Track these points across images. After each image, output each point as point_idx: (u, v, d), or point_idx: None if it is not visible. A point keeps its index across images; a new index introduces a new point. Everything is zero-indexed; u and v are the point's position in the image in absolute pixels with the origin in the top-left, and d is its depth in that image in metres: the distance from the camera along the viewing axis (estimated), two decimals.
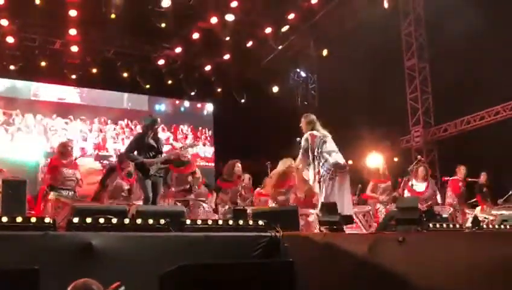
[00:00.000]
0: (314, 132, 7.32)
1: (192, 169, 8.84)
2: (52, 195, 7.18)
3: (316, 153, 7.15)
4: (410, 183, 9.19)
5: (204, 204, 8.45)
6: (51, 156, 8.87)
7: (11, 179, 6.40)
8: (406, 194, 9.09)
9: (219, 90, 15.99)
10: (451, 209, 9.72)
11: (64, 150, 7.88)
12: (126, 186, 8.35)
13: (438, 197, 9.61)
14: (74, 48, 13.79)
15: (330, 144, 7.25)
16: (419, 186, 9.19)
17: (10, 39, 12.97)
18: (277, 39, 14.28)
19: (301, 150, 7.33)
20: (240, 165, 8.99)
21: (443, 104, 13.40)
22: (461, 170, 10.24)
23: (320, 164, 7.10)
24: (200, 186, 9.03)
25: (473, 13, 11.27)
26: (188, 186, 8.61)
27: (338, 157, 7.15)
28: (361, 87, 13.83)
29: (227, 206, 8.55)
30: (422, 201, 8.62)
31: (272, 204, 8.54)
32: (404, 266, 4.50)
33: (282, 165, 8.48)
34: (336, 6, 14.21)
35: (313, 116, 7.61)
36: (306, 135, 7.35)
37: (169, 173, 8.66)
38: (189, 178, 8.73)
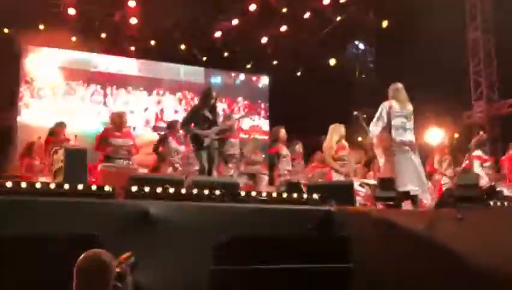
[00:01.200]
0: (393, 102, 7.15)
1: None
2: (99, 167, 7.33)
3: (386, 125, 7.03)
4: (475, 154, 8.98)
5: (266, 177, 8.49)
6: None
7: (72, 148, 6.61)
8: (476, 163, 8.83)
9: (275, 62, 15.88)
10: None
11: (117, 120, 7.96)
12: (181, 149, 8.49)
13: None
14: (133, 20, 13.98)
15: (403, 120, 7.06)
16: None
17: (72, 11, 13.26)
18: (335, 10, 13.99)
19: (376, 116, 7.19)
20: (283, 130, 8.89)
21: (508, 79, 12.84)
22: None
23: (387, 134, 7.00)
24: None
25: None
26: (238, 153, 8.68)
27: (403, 134, 6.98)
28: (421, 60, 13.42)
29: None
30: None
31: (335, 175, 8.36)
32: (463, 244, 4.39)
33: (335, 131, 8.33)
34: None
35: (397, 86, 7.32)
36: (384, 103, 7.20)
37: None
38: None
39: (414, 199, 6.65)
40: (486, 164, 9.13)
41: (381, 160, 7.23)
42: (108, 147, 7.60)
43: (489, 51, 13.41)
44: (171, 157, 8.68)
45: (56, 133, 8.98)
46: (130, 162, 7.74)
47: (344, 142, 8.33)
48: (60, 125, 9.14)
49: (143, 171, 7.66)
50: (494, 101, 13.39)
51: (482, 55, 13.42)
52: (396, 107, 7.09)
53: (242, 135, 10.29)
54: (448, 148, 9.47)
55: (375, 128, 7.12)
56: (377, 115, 7.13)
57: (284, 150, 8.74)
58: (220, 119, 7.77)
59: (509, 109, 13.07)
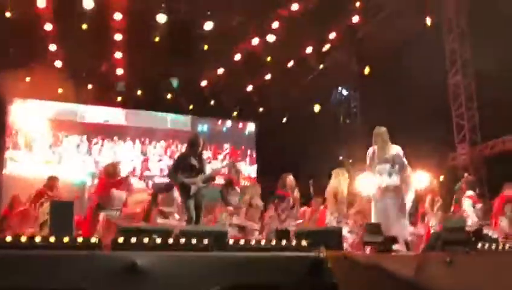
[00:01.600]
0: (375, 148, 7.25)
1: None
2: (102, 215, 7.31)
3: (372, 170, 7.12)
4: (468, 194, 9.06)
5: (257, 233, 8.46)
6: (97, 177, 9.04)
7: (59, 201, 6.58)
8: (468, 203, 8.89)
9: (261, 109, 16.07)
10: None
11: (113, 170, 7.99)
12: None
13: None
14: (119, 71, 14.14)
15: (388, 165, 7.13)
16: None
17: (58, 63, 13.41)
18: (318, 58, 14.29)
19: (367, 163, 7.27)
20: (291, 178, 8.94)
21: (490, 121, 13.07)
22: (507, 189, 9.90)
23: (373, 182, 7.08)
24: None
25: None
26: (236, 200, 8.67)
27: (386, 180, 7.05)
28: (405, 104, 13.65)
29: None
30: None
31: (330, 218, 8.39)
32: (452, 288, 4.38)
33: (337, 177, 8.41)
34: (377, 24, 14.16)
35: (378, 130, 7.39)
36: (368, 150, 7.31)
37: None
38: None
39: (407, 243, 6.68)
40: (478, 205, 9.19)
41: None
42: (108, 196, 7.62)
43: (470, 95, 13.66)
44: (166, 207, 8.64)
45: (52, 186, 8.95)
46: (121, 214, 7.74)
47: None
48: (54, 180, 9.10)
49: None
50: (477, 143, 13.57)
51: (463, 99, 13.66)
52: (378, 152, 7.17)
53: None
54: (440, 190, 9.55)
55: (366, 180, 7.23)
56: (367, 165, 7.23)
57: (290, 198, 8.79)
58: (207, 166, 7.76)
59: (491, 150, 13.24)
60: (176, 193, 8.67)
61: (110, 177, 7.89)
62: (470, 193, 9.19)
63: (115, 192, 7.71)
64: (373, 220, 6.91)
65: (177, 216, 8.54)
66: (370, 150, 7.27)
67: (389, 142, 7.32)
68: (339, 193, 8.28)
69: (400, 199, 7.14)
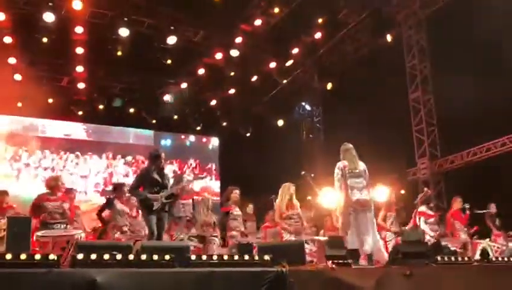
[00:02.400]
0: (345, 162, 7.34)
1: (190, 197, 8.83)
2: (35, 236, 7.11)
3: (342, 184, 7.21)
4: (420, 210, 9.25)
5: (217, 239, 8.42)
6: None
7: (16, 217, 6.41)
8: (422, 221, 9.08)
9: (224, 124, 16.09)
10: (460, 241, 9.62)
11: (54, 183, 7.80)
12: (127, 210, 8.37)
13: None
14: (81, 85, 13.96)
15: (359, 180, 7.26)
16: (430, 211, 9.32)
17: (18, 76, 13.15)
18: (281, 73, 14.41)
19: (335, 179, 7.34)
20: (237, 191, 8.94)
21: (449, 136, 13.37)
22: (457, 202, 10.13)
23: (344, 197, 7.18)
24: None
25: (478, 44, 11.39)
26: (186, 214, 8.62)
27: (358, 195, 7.16)
28: (367, 119, 13.87)
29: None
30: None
31: (284, 233, 8.45)
32: None
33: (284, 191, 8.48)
34: (339, 40, 14.40)
35: (347, 146, 7.55)
36: (338, 164, 7.39)
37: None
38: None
39: (369, 257, 6.75)
40: (430, 220, 9.39)
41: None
42: (43, 212, 7.42)
43: (430, 110, 13.97)
44: (117, 221, 8.52)
45: (1, 202, 8.69)
46: (68, 226, 7.53)
47: (294, 201, 8.43)
48: (2, 194, 8.84)
49: (79, 234, 7.36)
50: (436, 157, 13.86)
51: (423, 114, 13.96)
52: (348, 167, 7.29)
53: (194, 197, 10.31)
54: (395, 205, 9.70)
55: (339, 193, 7.31)
56: (336, 178, 7.31)
57: (236, 210, 8.76)
58: (170, 181, 7.67)
59: (451, 165, 13.54)
60: (120, 205, 8.62)
61: (50, 191, 7.67)
62: (422, 208, 9.42)
63: (50, 205, 7.49)
64: (343, 233, 6.98)
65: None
66: (340, 164, 7.38)
67: (357, 157, 7.46)
68: (277, 209, 8.40)
69: (372, 213, 7.29)
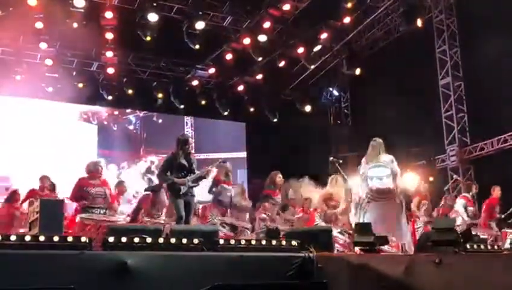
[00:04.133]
0: (368, 157, 7.47)
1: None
2: (78, 217, 7.24)
3: (362, 177, 7.25)
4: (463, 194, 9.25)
5: (248, 231, 8.49)
6: None
7: (48, 199, 6.54)
8: (460, 202, 9.03)
9: (252, 109, 16.07)
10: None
11: (93, 168, 7.91)
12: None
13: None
14: (110, 70, 14.09)
15: (380, 170, 7.25)
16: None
17: (49, 61, 13.35)
18: (309, 59, 14.30)
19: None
20: (280, 176, 9.02)
21: (479, 123, 13.16)
22: (496, 191, 10.00)
23: (363, 187, 7.19)
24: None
25: (509, 27, 11.14)
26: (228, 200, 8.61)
27: (378, 183, 7.15)
28: (395, 105, 13.71)
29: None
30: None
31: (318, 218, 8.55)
32: (441, 288, 4.41)
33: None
34: (368, 25, 14.22)
35: (376, 142, 7.62)
36: (364, 158, 7.52)
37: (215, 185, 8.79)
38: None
39: (401, 245, 6.77)
40: (470, 208, 9.34)
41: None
42: (85, 196, 7.53)
43: (460, 96, 13.75)
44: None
45: (41, 187, 8.90)
46: (108, 211, 7.66)
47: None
48: (43, 179, 9.02)
49: (121, 221, 7.51)
50: (466, 144, 13.66)
51: (452, 100, 13.74)
52: (370, 160, 7.32)
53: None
54: (428, 193, 9.69)
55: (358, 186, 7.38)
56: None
57: (278, 197, 8.84)
58: (195, 166, 7.72)
59: (480, 152, 13.33)
60: (164, 196, 8.68)
61: (90, 176, 7.77)
62: (465, 194, 9.38)
63: (92, 190, 7.58)
64: (368, 221, 6.99)
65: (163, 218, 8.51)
66: (362, 160, 7.48)
67: (382, 150, 7.56)
68: (333, 200, 8.45)
69: (397, 202, 7.28)
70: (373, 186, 7.17)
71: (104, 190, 7.77)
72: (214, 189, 8.91)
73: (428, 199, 9.72)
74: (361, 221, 7.10)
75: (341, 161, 8.75)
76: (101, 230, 6.71)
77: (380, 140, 7.63)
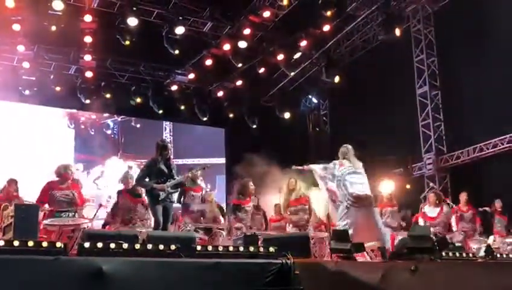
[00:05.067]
0: (344, 161, 7.44)
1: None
2: (42, 224, 7.12)
3: (339, 180, 7.27)
4: (423, 210, 9.30)
5: (223, 232, 8.46)
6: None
7: (23, 204, 6.44)
8: (420, 220, 9.14)
9: (231, 115, 16.07)
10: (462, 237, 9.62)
11: (63, 171, 7.81)
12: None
13: (453, 224, 9.59)
14: (89, 74, 13.98)
15: (358, 176, 7.33)
16: (432, 211, 9.27)
17: (26, 64, 13.19)
18: (289, 66, 14.36)
19: (320, 170, 7.45)
20: (252, 184, 9.01)
21: (455, 132, 13.34)
22: (463, 197, 10.13)
23: (340, 191, 7.23)
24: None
25: (484, 39, 11.34)
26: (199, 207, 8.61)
27: (359, 190, 7.20)
28: (372, 114, 13.85)
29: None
30: (436, 226, 8.99)
31: (288, 227, 8.63)
32: None
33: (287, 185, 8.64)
34: (347, 33, 14.35)
35: (347, 147, 7.72)
36: (335, 161, 7.55)
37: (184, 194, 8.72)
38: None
39: (381, 250, 6.83)
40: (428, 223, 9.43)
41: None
42: (51, 200, 7.44)
43: (437, 105, 13.91)
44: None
45: (5, 190, 8.72)
46: (75, 215, 7.53)
47: (301, 195, 8.62)
48: (10, 183, 8.86)
49: (86, 224, 7.36)
50: (443, 153, 13.81)
51: (429, 109, 13.90)
52: (347, 165, 7.35)
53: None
54: (391, 199, 9.80)
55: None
56: (326, 166, 7.41)
57: (248, 205, 8.82)
58: (174, 171, 7.68)
59: (457, 161, 13.49)
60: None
61: (59, 179, 7.69)
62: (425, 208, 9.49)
63: (58, 194, 7.50)
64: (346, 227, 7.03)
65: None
66: (336, 162, 7.50)
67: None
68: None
69: (374, 208, 7.39)
70: (354, 193, 7.22)
71: (72, 193, 7.67)
72: (182, 198, 8.83)
73: (394, 205, 9.82)
74: (341, 224, 7.14)
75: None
76: (64, 235, 6.64)
77: (350, 146, 7.73)
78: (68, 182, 7.77)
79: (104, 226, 8.58)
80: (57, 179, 7.76)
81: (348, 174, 7.34)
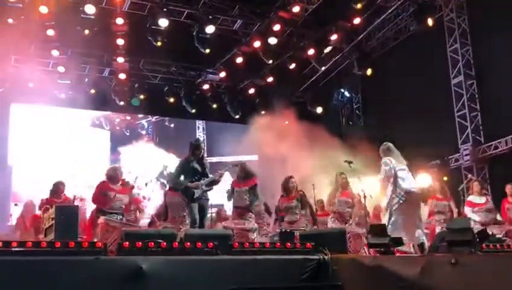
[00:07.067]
0: (390, 158, 7.46)
1: (254, 182, 8.63)
2: (101, 219, 7.29)
3: (388, 176, 7.27)
4: (468, 199, 9.14)
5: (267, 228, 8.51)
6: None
7: (63, 205, 6.57)
8: (467, 209, 8.97)
9: (263, 112, 16.07)
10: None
11: (113, 173, 7.97)
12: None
13: (498, 216, 9.38)
14: (122, 76, 14.17)
15: (405, 172, 7.40)
16: (479, 199, 9.12)
17: (61, 68, 13.45)
18: (320, 60, 14.28)
19: (382, 174, 7.39)
20: (294, 180, 8.94)
21: (493, 121, 13.02)
22: (509, 189, 9.88)
23: (392, 187, 7.22)
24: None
25: None
26: (248, 202, 8.46)
27: (411, 186, 7.27)
28: (407, 106, 13.64)
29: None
30: (486, 212, 8.89)
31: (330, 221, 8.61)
32: (458, 289, 4.38)
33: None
34: (378, 25, 14.17)
35: (389, 145, 7.69)
36: (385, 159, 7.49)
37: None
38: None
39: (421, 245, 6.77)
40: (476, 208, 9.25)
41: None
42: (106, 200, 7.58)
43: (472, 95, 13.62)
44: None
45: (57, 192, 8.92)
46: (124, 218, 7.71)
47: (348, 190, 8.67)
48: (57, 185, 9.06)
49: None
50: (480, 143, 13.52)
51: (465, 99, 13.62)
52: (394, 161, 7.40)
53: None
54: (439, 192, 9.62)
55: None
56: (385, 169, 7.32)
57: (293, 201, 8.78)
58: (207, 170, 7.71)
59: (495, 151, 13.19)
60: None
61: (110, 181, 7.84)
62: (470, 198, 9.30)
63: (113, 195, 7.65)
64: (392, 224, 7.00)
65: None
66: (386, 159, 7.43)
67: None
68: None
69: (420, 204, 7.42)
70: (407, 189, 7.20)
71: (123, 196, 7.83)
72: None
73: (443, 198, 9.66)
74: (392, 220, 7.10)
75: (353, 162, 8.75)
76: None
77: (390, 143, 7.70)
78: (118, 184, 7.92)
79: (149, 225, 8.72)
80: (108, 180, 7.90)
81: (398, 170, 7.31)
